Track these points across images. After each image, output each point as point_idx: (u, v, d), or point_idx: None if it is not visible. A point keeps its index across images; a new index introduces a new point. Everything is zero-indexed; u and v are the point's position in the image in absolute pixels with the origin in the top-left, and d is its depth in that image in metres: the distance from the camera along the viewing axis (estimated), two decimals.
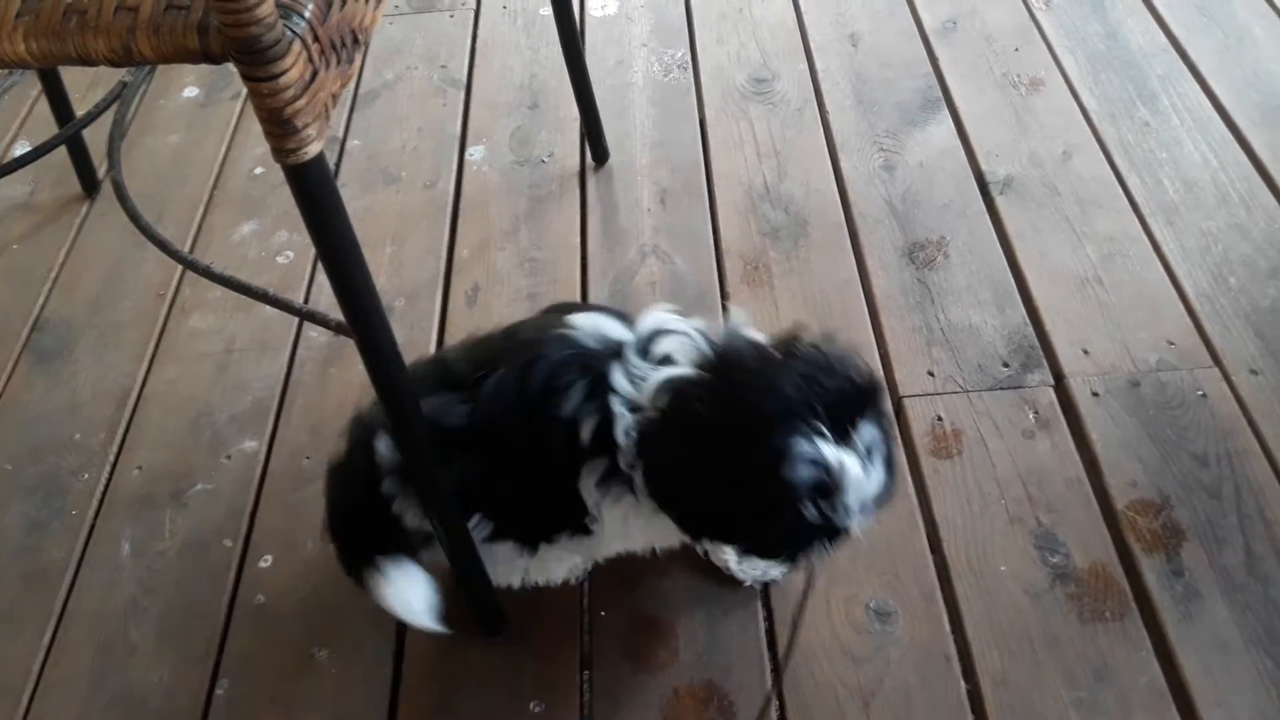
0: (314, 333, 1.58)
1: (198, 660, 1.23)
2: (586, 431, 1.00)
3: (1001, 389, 1.46)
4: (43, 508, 1.39)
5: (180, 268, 1.68)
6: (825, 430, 0.89)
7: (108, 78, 1.86)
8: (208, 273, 1.08)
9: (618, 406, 0.98)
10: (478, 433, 1.04)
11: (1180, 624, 1.19)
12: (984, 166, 1.79)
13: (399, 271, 1.68)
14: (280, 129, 0.75)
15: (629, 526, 1.07)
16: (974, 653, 1.19)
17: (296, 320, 1.59)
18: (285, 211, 1.79)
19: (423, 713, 1.18)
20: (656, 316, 1.06)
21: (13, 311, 1.67)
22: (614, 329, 1.05)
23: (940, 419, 1.42)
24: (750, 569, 1.25)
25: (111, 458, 1.45)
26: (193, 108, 2.06)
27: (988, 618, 1.22)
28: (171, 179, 1.90)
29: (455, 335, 1.58)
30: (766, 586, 1.26)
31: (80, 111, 1.71)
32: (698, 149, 1.87)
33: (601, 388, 1.00)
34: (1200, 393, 1.43)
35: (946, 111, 1.91)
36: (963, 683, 1.17)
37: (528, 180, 1.84)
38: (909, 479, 1.36)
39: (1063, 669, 1.17)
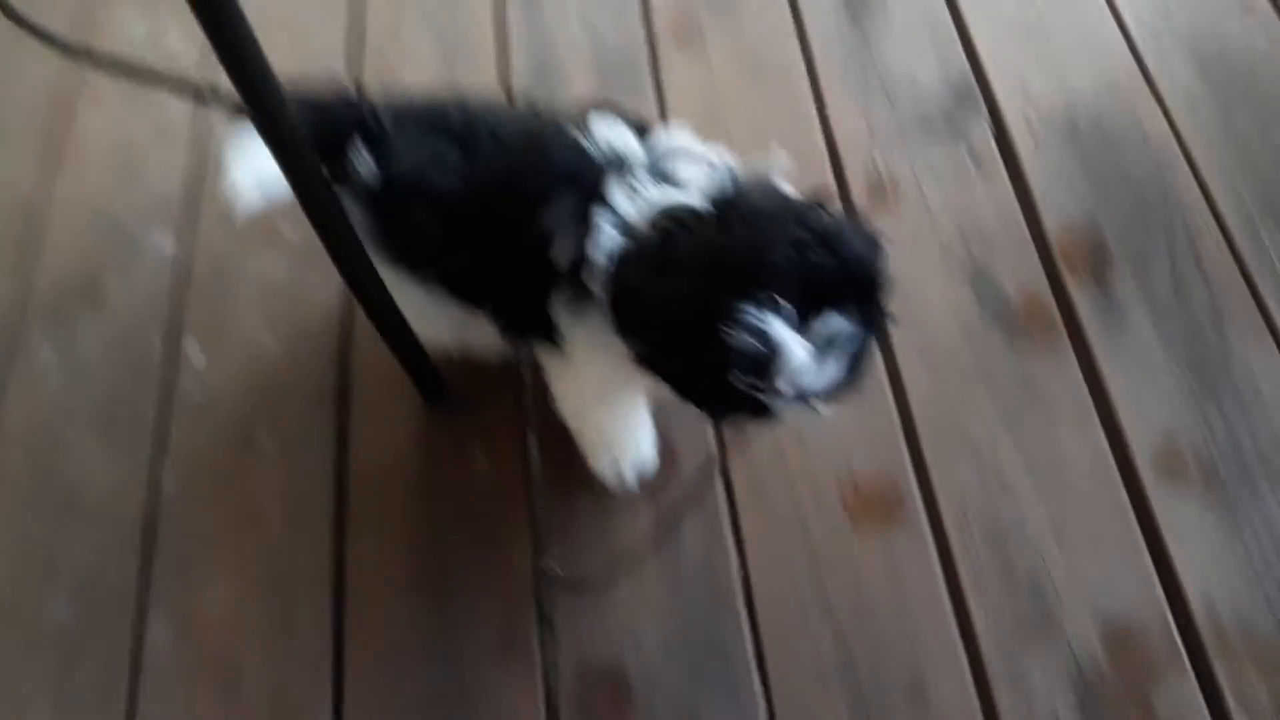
0: (219, 120, 1.50)
1: (138, 454, 1.23)
2: (566, 252, 0.94)
3: (940, 135, 1.43)
4: None
5: (68, 64, 1.57)
6: (787, 307, 0.82)
7: None
8: (99, 61, 0.99)
9: (606, 225, 0.92)
10: (461, 209, 0.99)
11: (1106, 344, 1.23)
12: None
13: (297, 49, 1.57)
14: None
15: (595, 350, 1.00)
16: (906, 382, 1.22)
17: (195, 110, 1.51)
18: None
19: (370, 484, 1.20)
20: (676, 133, 0.98)
21: None
22: (626, 141, 0.96)
23: (878, 169, 1.40)
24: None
25: (22, 268, 1.39)
26: None
27: (920, 350, 1.24)
28: None
29: None
30: None
31: None
32: None
33: (594, 204, 0.93)
34: (1138, 128, 1.41)
35: None
36: (895, 409, 1.21)
37: None
38: None
39: (993, 394, 1.21)
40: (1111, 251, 1.30)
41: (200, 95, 0.94)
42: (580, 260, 0.93)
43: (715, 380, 0.85)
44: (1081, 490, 1.14)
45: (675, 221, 0.89)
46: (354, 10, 1.63)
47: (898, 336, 1.25)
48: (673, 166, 0.94)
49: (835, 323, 0.83)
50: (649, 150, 0.96)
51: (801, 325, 0.82)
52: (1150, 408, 1.18)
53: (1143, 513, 1.13)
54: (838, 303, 0.84)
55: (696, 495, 1.16)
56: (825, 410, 0.90)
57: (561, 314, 0.99)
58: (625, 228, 0.91)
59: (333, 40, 1.60)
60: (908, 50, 1.53)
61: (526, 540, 1.15)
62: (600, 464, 1.17)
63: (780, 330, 0.81)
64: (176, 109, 1.52)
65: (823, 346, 0.83)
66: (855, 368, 0.88)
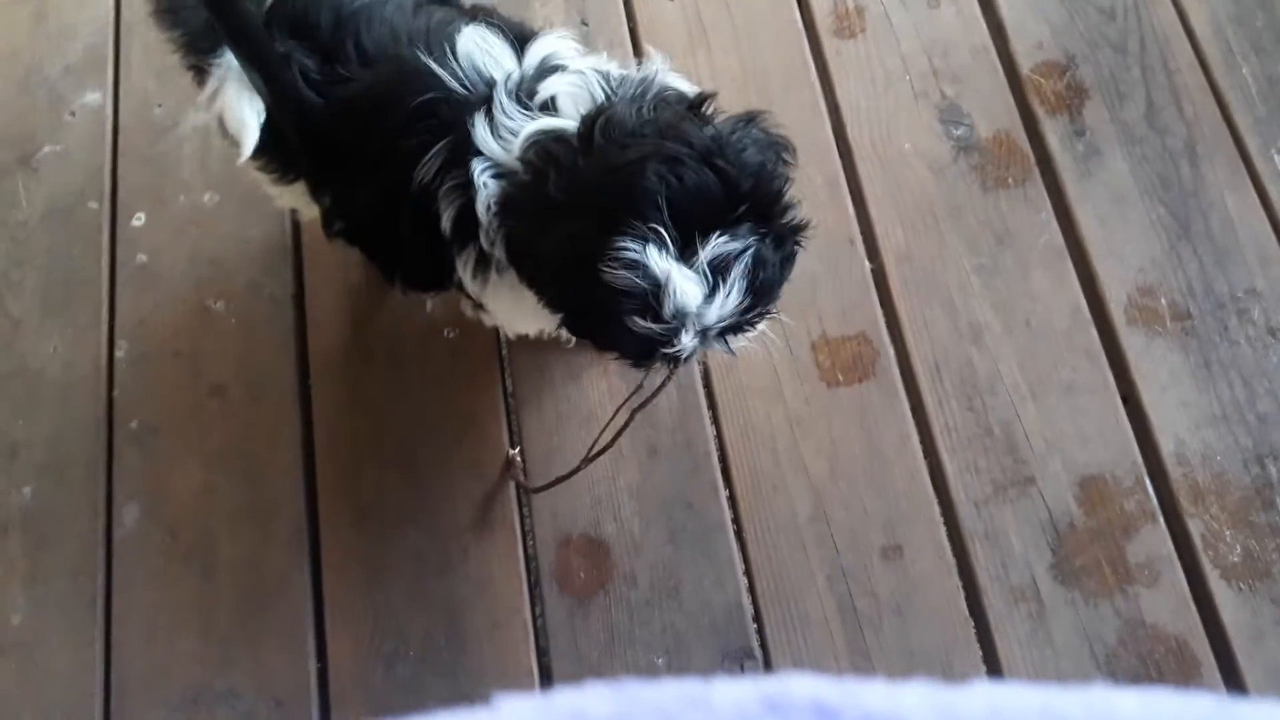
0: None
1: (89, 326, 1.18)
2: (448, 220, 0.86)
3: None
4: None
5: None
6: (664, 235, 0.74)
7: None
8: None
9: (481, 177, 0.83)
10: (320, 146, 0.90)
11: (1079, 182, 1.20)
12: None
13: None
14: None
15: (519, 307, 0.93)
16: (877, 233, 1.19)
17: None
18: None
19: (331, 348, 1.17)
20: (550, 45, 0.87)
21: None
22: (495, 60, 0.86)
23: None
24: None
25: None
26: None
27: (891, 197, 1.21)
28: None
29: None
30: None
31: None
32: None
33: (463, 155, 0.84)
34: None
35: None
36: (867, 263, 1.18)
37: None
38: (811, 64, 1.29)
39: (965, 238, 1.18)
40: (1085, 84, 1.25)
41: None
42: (470, 226, 0.85)
43: (615, 326, 0.78)
44: (1054, 338, 1.14)
45: (543, 153, 0.80)
46: None
47: (866, 181, 1.21)
48: (544, 84, 0.84)
49: (724, 245, 0.75)
50: (523, 67, 0.86)
51: (684, 253, 0.75)
52: (1123, 247, 1.17)
53: (1115, 359, 1.13)
54: (726, 222, 0.76)
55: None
56: (741, 345, 0.83)
57: (465, 278, 0.91)
58: (499, 171, 0.82)
59: None
60: None
61: (500, 415, 1.13)
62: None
63: (659, 262, 0.74)
64: None
65: (713, 273, 0.75)
66: (762, 291, 0.78)
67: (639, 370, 0.92)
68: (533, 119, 0.82)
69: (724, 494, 1.10)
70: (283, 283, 1.19)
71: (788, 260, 0.82)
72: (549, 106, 0.83)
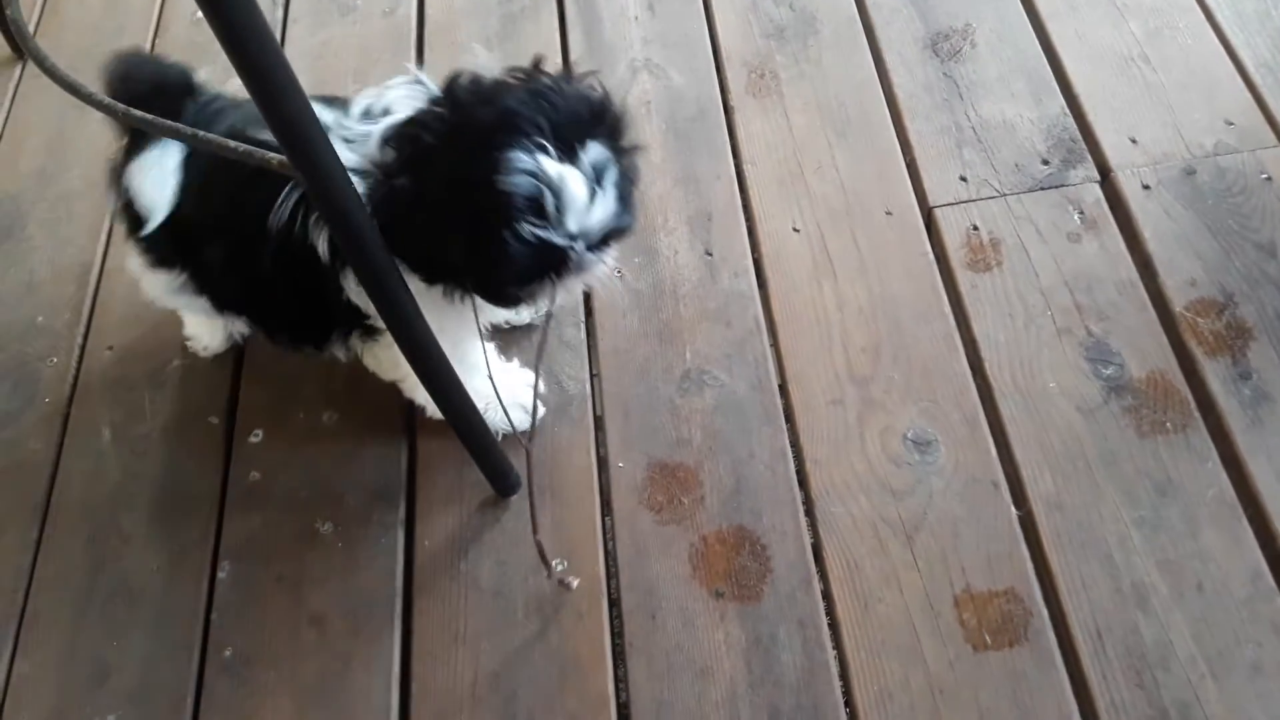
0: None
1: (196, 544, 1.15)
2: (323, 245, 0.94)
3: (1042, 189, 1.32)
4: (14, 397, 1.29)
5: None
6: (548, 145, 0.84)
7: None
8: (158, 127, 0.92)
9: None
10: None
11: (1249, 430, 1.10)
12: None
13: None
14: None
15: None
16: (1024, 477, 1.10)
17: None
18: None
19: (439, 581, 1.11)
20: (366, 93, 0.98)
21: None
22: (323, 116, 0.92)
23: (976, 228, 1.29)
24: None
25: (79, 339, 1.33)
26: None
27: (1037, 439, 1.12)
28: (107, 30, 1.71)
29: None
30: (793, 428, 1.16)
31: None
32: None
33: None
34: (1264, 175, 1.29)
35: None
36: (1013, 509, 1.09)
37: None
38: (944, 296, 1.24)
39: (1121, 487, 1.08)
40: (1247, 323, 1.17)
41: (247, 157, 0.87)
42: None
43: (505, 245, 0.85)
44: (1233, 606, 1.01)
45: (404, 133, 0.89)
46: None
47: (1009, 421, 1.14)
48: (375, 107, 0.94)
49: (597, 151, 0.86)
50: (353, 108, 0.96)
51: (566, 158, 0.85)
52: None
53: None
54: (588, 135, 0.87)
55: None
56: (610, 258, 0.94)
57: (353, 293, 0.97)
58: (360, 173, 0.88)
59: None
60: (1002, 98, 1.42)
61: (606, 661, 1.05)
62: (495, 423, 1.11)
63: (552, 164, 0.84)
64: None
65: (592, 177, 0.86)
66: (626, 202, 0.91)
67: (526, 296, 0.96)
68: (377, 124, 0.92)
69: None
70: (393, 506, 1.16)
71: (633, 174, 0.94)
72: (388, 113, 0.93)
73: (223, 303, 1.13)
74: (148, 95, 1.00)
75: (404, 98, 0.93)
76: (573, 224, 0.86)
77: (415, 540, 1.14)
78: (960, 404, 1.16)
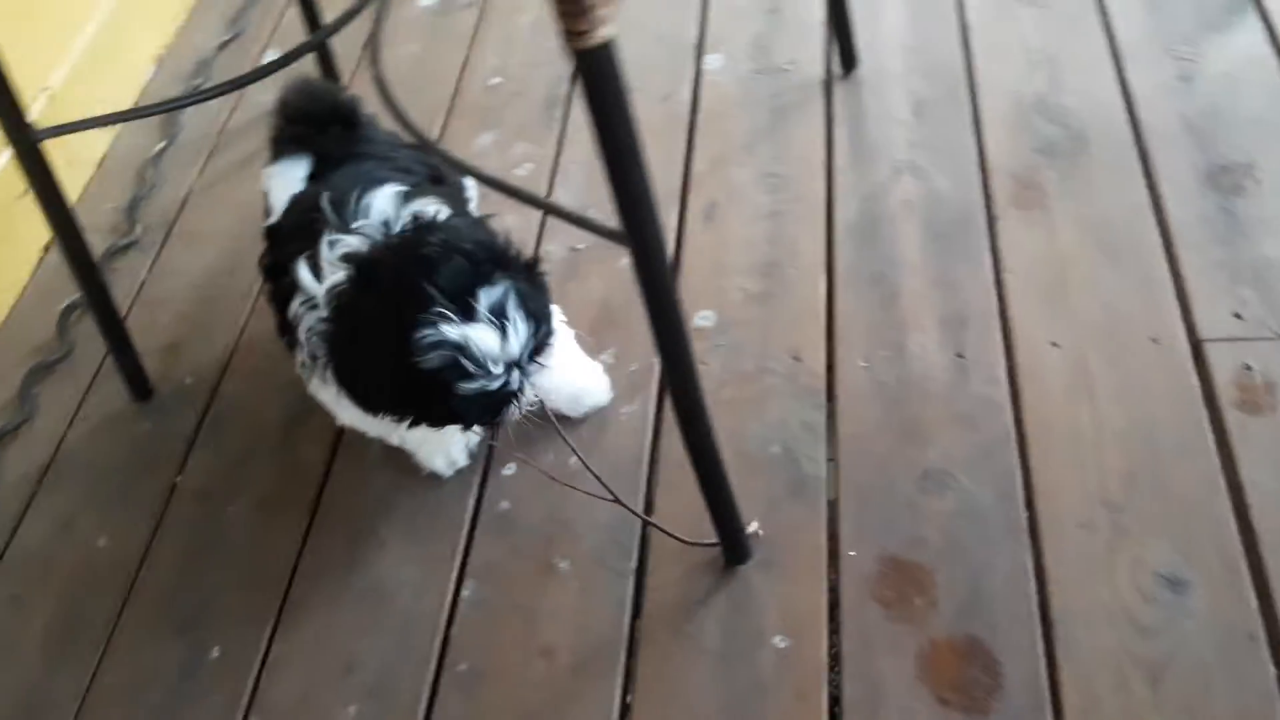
0: (552, 246, 1.55)
1: (444, 561, 1.24)
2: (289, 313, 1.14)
3: None
4: (300, 404, 1.43)
5: None
6: (446, 310, 0.94)
7: None
8: (487, 180, 1.04)
9: (297, 306, 1.11)
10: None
11: None
12: None
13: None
14: (573, 6, 0.70)
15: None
16: None
17: (537, 230, 1.56)
18: (523, 124, 1.76)
19: (662, 636, 1.15)
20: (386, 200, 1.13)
21: None
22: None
23: (1249, 368, 1.24)
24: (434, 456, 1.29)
25: None
26: (430, 17, 2.06)
27: None
28: (410, 88, 1.89)
29: (692, 254, 1.51)
30: (1038, 546, 1.14)
31: (329, 19, 1.72)
32: (958, 54, 1.70)
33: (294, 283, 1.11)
34: None
35: (1255, 12, 1.66)
36: (1272, 667, 1.03)
37: (768, 90, 1.73)
38: (1209, 433, 1.20)
39: None
40: None
41: (576, 220, 0.97)
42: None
43: (452, 401, 0.98)
44: None
45: (333, 302, 1.05)
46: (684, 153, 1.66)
47: (1275, 575, 1.08)
48: (343, 242, 1.08)
49: (491, 294, 0.97)
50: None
51: (466, 313, 0.95)
52: None
53: None
54: (484, 279, 0.97)
55: None
56: (544, 365, 1.05)
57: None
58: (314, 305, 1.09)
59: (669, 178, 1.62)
60: None
61: None
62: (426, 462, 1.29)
63: (452, 330, 0.94)
64: (517, 231, 1.58)
65: (496, 318, 0.96)
66: (538, 315, 1.01)
67: (488, 429, 1.15)
68: (334, 271, 1.06)
69: None
70: (626, 555, 1.21)
71: (538, 285, 1.06)
72: (346, 259, 1.06)
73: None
74: (325, 115, 1.28)
75: (353, 244, 1.08)
76: (496, 368, 0.97)
77: (644, 592, 1.18)
78: (1220, 547, 1.11)
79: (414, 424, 1.07)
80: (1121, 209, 1.44)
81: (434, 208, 1.12)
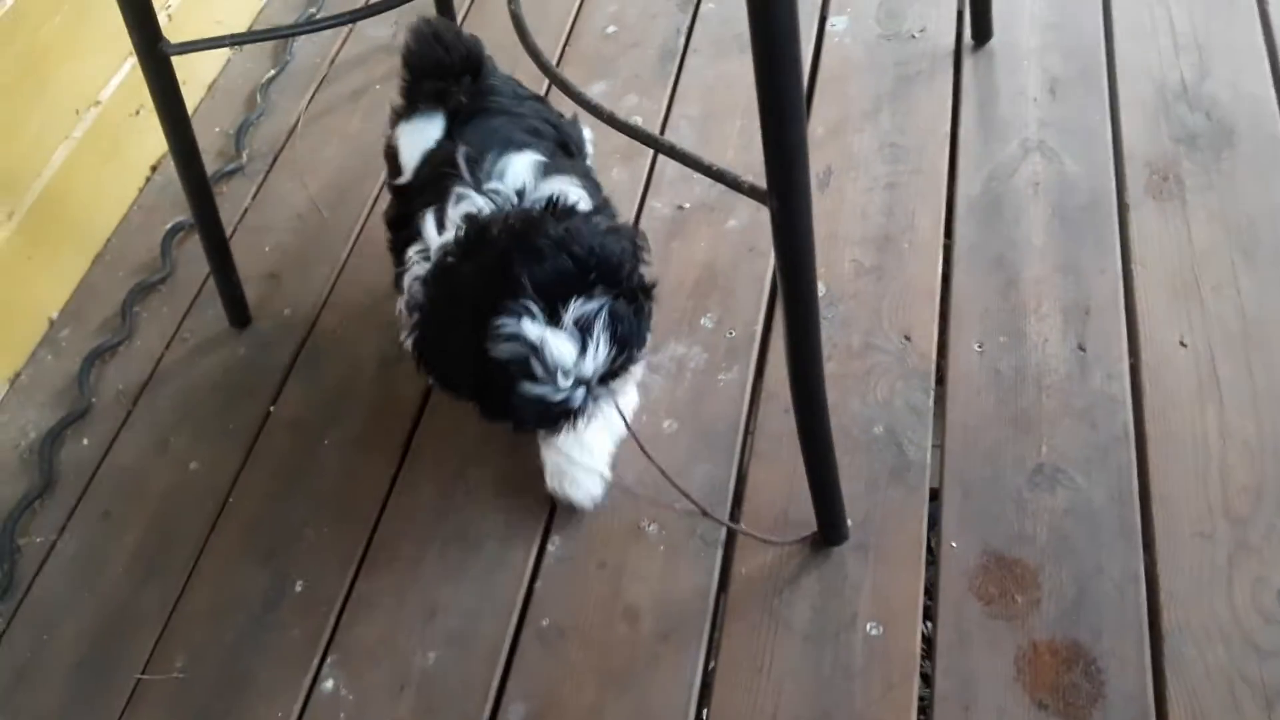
0: (657, 203, 1.52)
1: (532, 513, 1.23)
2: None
3: None
4: (397, 345, 1.42)
5: None
6: (532, 307, 0.92)
7: None
8: (616, 123, 1.00)
9: (412, 253, 1.09)
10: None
11: None
12: None
13: (747, 146, 1.57)
14: None
15: None
16: None
17: (641, 189, 1.53)
18: (635, 74, 1.72)
19: (749, 611, 1.12)
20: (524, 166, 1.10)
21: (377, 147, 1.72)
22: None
23: None
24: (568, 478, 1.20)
25: None
26: None
27: None
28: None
29: None
30: (1151, 553, 1.09)
31: None
32: (1099, 34, 1.62)
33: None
34: None
35: None
36: None
37: (894, 56, 1.66)
38: None
39: None
40: None
41: (711, 173, 0.93)
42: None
43: (512, 397, 0.96)
44: None
45: (435, 266, 1.03)
46: None
47: None
48: (460, 204, 1.06)
49: (583, 307, 0.93)
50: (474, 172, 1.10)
51: (552, 319, 0.93)
52: None
53: None
54: (583, 291, 0.94)
55: None
56: (616, 391, 1.02)
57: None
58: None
59: None
60: None
61: None
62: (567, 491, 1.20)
63: (532, 328, 0.92)
64: (619, 190, 1.55)
65: (579, 331, 0.93)
66: (625, 340, 0.97)
67: (549, 431, 1.09)
68: (446, 233, 1.05)
69: None
70: (716, 526, 1.18)
71: (640, 311, 1.01)
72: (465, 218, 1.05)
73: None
74: (457, 66, 1.21)
75: (476, 208, 1.06)
76: (563, 381, 0.94)
77: (732, 564, 1.16)
78: None
79: (481, 407, 1.05)
80: (1266, 209, 1.36)
81: (576, 195, 1.08)
